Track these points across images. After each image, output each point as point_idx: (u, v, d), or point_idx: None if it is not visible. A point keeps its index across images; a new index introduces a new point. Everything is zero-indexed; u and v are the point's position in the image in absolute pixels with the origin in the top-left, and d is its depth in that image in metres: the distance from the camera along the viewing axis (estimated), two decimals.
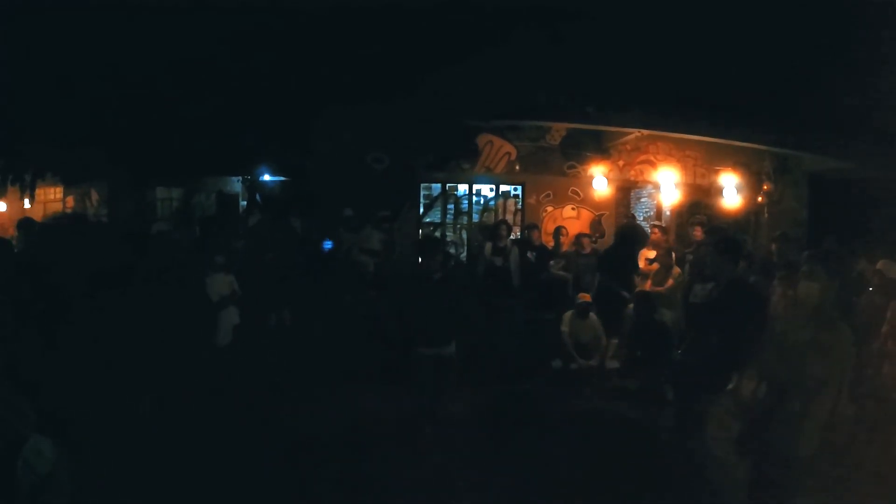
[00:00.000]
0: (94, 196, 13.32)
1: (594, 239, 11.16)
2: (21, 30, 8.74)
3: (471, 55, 9.88)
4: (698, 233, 9.80)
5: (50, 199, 13.77)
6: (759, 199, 11.72)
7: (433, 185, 12.36)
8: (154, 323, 4.15)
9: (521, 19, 9.94)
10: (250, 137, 11.21)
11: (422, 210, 12.34)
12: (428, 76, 10.08)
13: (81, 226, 5.78)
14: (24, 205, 12.61)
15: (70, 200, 13.69)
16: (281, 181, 12.47)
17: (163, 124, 10.68)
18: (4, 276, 4.31)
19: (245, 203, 12.80)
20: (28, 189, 11.98)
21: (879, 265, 7.06)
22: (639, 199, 12.59)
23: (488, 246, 10.10)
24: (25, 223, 7.33)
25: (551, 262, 10.17)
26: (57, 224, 5.83)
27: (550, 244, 10.74)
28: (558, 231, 10.74)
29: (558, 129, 11.72)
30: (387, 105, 10.53)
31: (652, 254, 9.98)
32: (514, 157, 11.89)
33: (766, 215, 11.71)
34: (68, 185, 13.26)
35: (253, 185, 12.46)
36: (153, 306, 4.28)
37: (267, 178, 12.31)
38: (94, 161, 11.05)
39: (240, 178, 13.06)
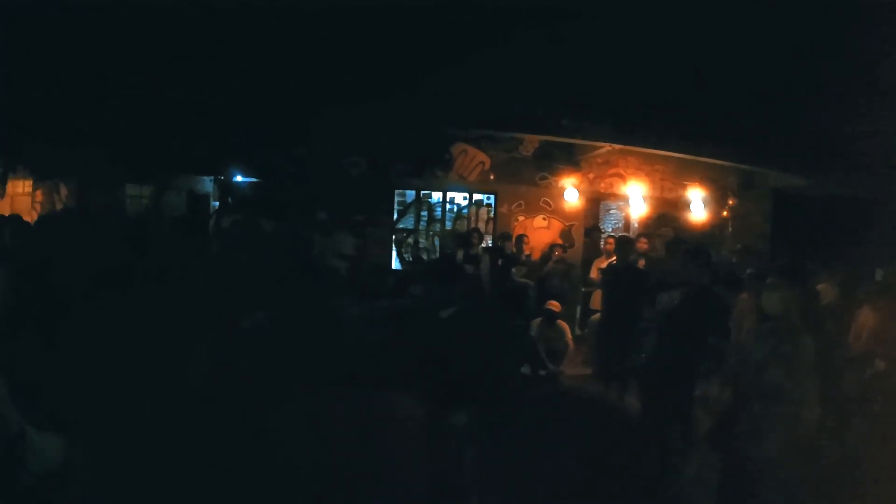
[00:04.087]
0: (63, 191, 13.16)
1: (564, 248, 11.38)
2: (13, 25, 8.68)
3: (446, 66, 10.03)
4: (643, 244, 10.02)
5: (18, 192, 13.56)
6: (724, 213, 12.04)
7: (407, 191, 12.48)
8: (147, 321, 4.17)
9: (500, 31, 10.13)
10: (224, 137, 11.21)
11: (395, 216, 12.45)
12: (406, 83, 10.21)
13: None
14: None
15: (39, 194, 13.53)
16: (253, 182, 12.47)
17: (136, 121, 10.64)
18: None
19: (217, 203, 12.76)
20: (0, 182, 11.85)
21: (820, 287, 7.28)
22: (608, 210, 12.86)
23: (460, 253, 10.24)
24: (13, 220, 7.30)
25: (513, 270, 10.35)
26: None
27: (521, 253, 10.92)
28: (521, 239, 10.95)
29: (531, 141, 11.92)
30: (364, 110, 10.62)
31: (605, 263, 10.22)
32: (487, 166, 12.05)
33: (730, 229, 12.03)
34: (38, 178, 13.10)
35: (225, 186, 12.43)
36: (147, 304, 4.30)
37: (239, 178, 12.30)
38: (66, 155, 10.96)
39: (211, 177, 13.02)
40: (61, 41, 9.22)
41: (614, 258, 10.05)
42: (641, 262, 9.18)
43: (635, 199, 11.55)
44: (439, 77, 10.05)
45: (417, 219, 12.57)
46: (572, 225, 12.17)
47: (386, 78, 10.51)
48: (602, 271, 9.42)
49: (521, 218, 12.18)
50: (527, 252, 10.91)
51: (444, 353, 4.71)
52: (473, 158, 12.01)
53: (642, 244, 9.86)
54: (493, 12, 10.15)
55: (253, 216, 11.06)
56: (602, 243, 10.94)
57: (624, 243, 8.93)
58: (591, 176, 12.13)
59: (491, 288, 9.93)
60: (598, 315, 9.42)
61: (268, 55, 10.35)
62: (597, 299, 10.17)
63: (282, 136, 11.29)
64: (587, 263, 11.14)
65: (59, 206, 12.85)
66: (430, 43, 10.41)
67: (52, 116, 10.04)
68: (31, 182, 13.39)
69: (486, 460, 5.10)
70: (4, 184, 12.05)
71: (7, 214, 9.70)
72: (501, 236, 11.10)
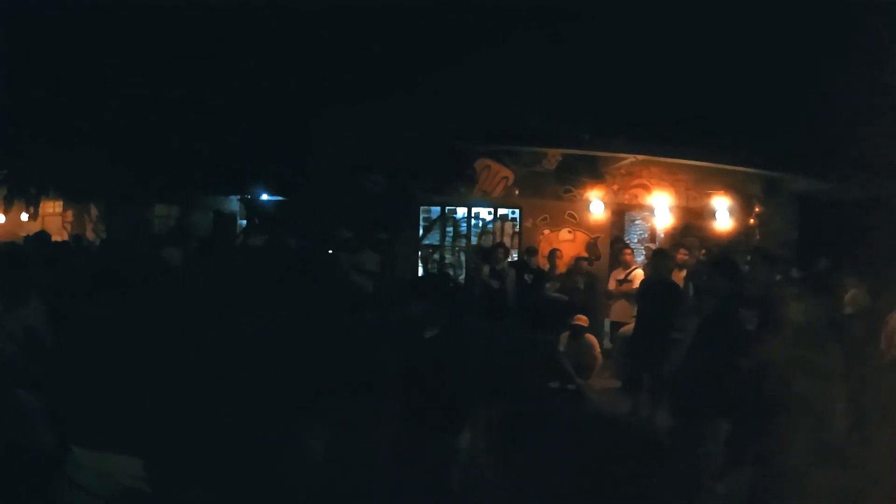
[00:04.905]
0: (94, 211, 13.40)
1: (590, 261, 11.38)
2: (25, 35, 8.87)
3: (470, 79, 10.09)
4: (682, 255, 9.98)
5: (48, 212, 13.80)
6: (751, 220, 11.94)
7: (432, 208, 12.59)
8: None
9: (521, 45, 10.18)
10: (249, 155, 11.36)
11: (421, 232, 12.53)
12: (428, 99, 10.28)
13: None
14: (21, 217, 12.71)
15: (69, 215, 13.78)
16: (279, 201, 12.61)
17: (161, 143, 10.82)
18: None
19: (244, 222, 12.92)
20: (32, 203, 12.12)
21: (848, 297, 7.20)
22: (633, 221, 12.82)
23: (485, 268, 10.26)
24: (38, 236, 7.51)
25: (547, 285, 10.34)
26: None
27: (546, 267, 10.91)
28: (553, 253, 10.92)
29: (554, 155, 11.95)
30: (386, 127, 10.72)
31: (622, 274, 10.18)
32: (511, 181, 12.11)
33: (757, 237, 11.93)
34: (68, 199, 13.36)
35: (252, 205, 12.59)
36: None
37: (265, 197, 12.46)
38: (95, 175, 11.17)
39: (238, 196, 13.19)
40: (84, 55, 9.42)
41: (632, 268, 10.07)
42: (678, 273, 9.14)
43: (660, 209, 11.53)
44: (460, 93, 10.12)
45: (443, 235, 12.65)
46: (598, 237, 12.16)
47: (409, 95, 10.59)
48: (639, 285, 9.35)
49: (546, 231, 12.21)
50: (560, 267, 10.90)
51: (430, 374, 4.46)
52: (497, 174, 12.07)
53: (682, 255, 9.81)
54: (514, 26, 10.22)
55: (280, 234, 11.19)
56: (619, 254, 10.90)
57: (658, 256, 8.89)
58: (615, 187, 12.14)
59: (517, 303, 9.93)
60: (626, 327, 9.40)
61: (286, 70, 10.48)
62: (618, 310, 10.16)
63: (305, 154, 11.42)
64: None
65: (88, 227, 13.10)
66: (453, 58, 10.48)
67: (79, 136, 10.23)
68: (62, 203, 13.66)
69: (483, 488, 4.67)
70: (37, 206, 12.32)
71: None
72: (527, 251, 11.09)
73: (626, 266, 10.23)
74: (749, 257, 8.80)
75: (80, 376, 3.77)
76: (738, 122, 10.64)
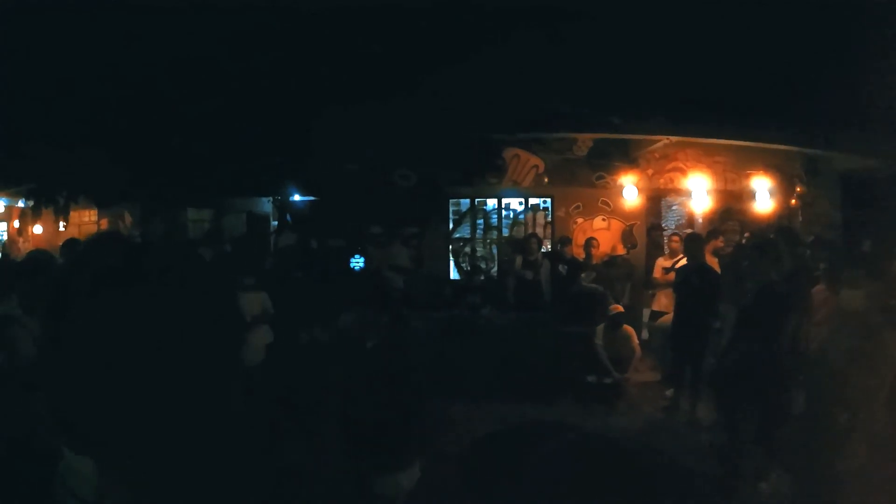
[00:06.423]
0: (128, 218, 13.57)
1: (627, 250, 11.11)
2: (50, 50, 8.88)
3: (491, 67, 9.87)
4: (720, 242, 9.66)
5: (84, 221, 14.08)
6: (793, 202, 11.52)
7: (462, 200, 12.38)
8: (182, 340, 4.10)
9: (537, 28, 9.92)
10: (278, 155, 11.32)
11: (451, 225, 12.35)
12: (454, 90, 10.09)
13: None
14: (58, 227, 12.92)
15: (104, 222, 13.98)
16: (310, 200, 12.58)
17: (192, 146, 10.82)
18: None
19: (276, 223, 12.96)
20: (62, 213, 12.24)
21: None
22: (669, 207, 12.47)
23: (518, 260, 10.08)
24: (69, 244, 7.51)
25: (582, 275, 10.09)
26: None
27: (581, 257, 10.66)
28: (589, 243, 10.65)
29: (584, 141, 11.66)
30: (413, 120, 10.55)
31: (669, 263, 9.85)
32: (541, 169, 11.85)
33: (800, 218, 11.50)
34: (101, 207, 13.53)
35: (283, 205, 12.59)
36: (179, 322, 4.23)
37: (297, 197, 12.43)
38: (125, 182, 11.23)
39: (270, 198, 13.22)
40: (112, 59, 9.39)
41: (680, 257, 9.71)
42: (715, 262, 8.84)
43: (698, 193, 11.13)
44: (483, 81, 9.90)
45: (473, 227, 12.44)
46: (633, 224, 11.84)
47: (435, 88, 10.41)
48: (676, 272, 9.04)
49: (579, 220, 11.93)
50: (595, 257, 10.65)
51: (366, 395, 3.90)
52: (527, 163, 11.83)
53: (719, 242, 9.49)
54: (536, 7, 9.95)
55: (310, 233, 11.14)
56: (666, 241, 10.55)
57: (693, 242, 8.56)
58: (650, 172, 11.77)
59: (552, 295, 9.72)
60: (665, 317, 9.13)
61: (312, 68, 10.37)
62: (660, 300, 9.85)
63: (333, 152, 11.32)
64: (652, 263, 10.79)
65: (124, 233, 13.23)
66: (471, 47, 10.28)
67: (106, 142, 10.26)
68: (96, 212, 13.88)
69: None
70: (67, 213, 12.45)
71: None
72: (561, 240, 10.84)
73: (674, 254, 9.82)
74: (771, 237, 8.45)
75: (95, 381, 3.69)
76: (777, 99, 10.24)
